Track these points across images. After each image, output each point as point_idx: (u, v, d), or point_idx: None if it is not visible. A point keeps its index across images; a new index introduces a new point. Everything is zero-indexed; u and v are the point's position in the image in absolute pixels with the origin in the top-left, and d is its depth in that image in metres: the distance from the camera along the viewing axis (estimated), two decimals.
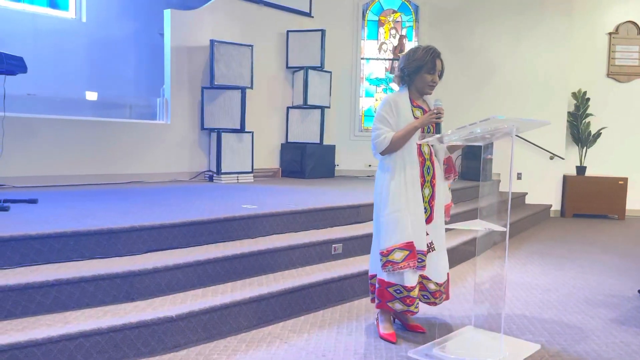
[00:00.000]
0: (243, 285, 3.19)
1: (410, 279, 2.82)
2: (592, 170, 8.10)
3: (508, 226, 2.70)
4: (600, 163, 8.20)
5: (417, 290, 2.87)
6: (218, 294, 3.00)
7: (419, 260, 2.84)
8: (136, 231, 3.15)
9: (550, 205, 8.00)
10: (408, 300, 2.82)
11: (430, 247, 2.94)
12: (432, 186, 2.92)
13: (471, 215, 5.52)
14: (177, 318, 2.65)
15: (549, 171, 8.03)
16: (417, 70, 2.86)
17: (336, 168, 7.76)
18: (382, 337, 2.91)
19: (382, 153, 2.87)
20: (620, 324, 3.28)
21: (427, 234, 2.90)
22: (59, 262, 2.88)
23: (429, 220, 2.91)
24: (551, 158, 7.98)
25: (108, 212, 3.63)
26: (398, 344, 2.82)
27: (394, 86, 8.00)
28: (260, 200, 4.54)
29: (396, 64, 6.62)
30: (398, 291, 2.83)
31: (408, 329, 3.04)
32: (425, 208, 2.88)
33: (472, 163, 7.46)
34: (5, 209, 3.58)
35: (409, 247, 2.80)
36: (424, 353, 2.68)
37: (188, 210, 3.81)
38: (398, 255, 2.78)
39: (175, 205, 4.12)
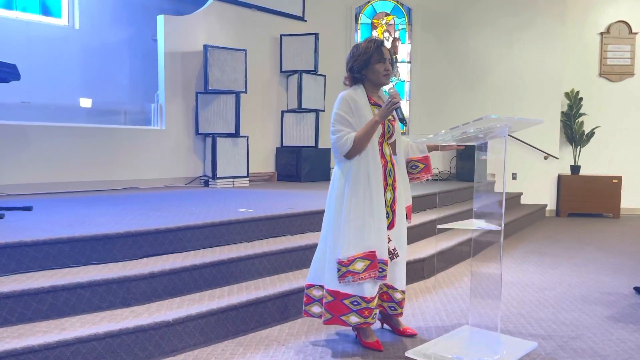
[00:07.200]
0: (240, 288, 3.19)
1: (370, 289, 2.67)
2: (587, 170, 8.15)
3: (503, 226, 2.71)
4: (594, 162, 8.25)
5: (376, 301, 2.73)
6: (215, 297, 3.00)
7: (380, 270, 2.68)
8: (132, 236, 3.15)
9: (545, 205, 8.03)
10: (366, 312, 2.66)
11: (394, 254, 2.79)
12: (394, 189, 2.79)
13: (466, 216, 5.53)
14: (174, 322, 2.64)
15: (543, 171, 8.06)
16: (366, 64, 2.74)
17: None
18: (366, 346, 2.77)
19: (347, 156, 2.70)
20: (616, 321, 3.29)
21: (390, 240, 2.76)
22: (55, 268, 2.88)
23: (391, 225, 2.78)
24: (545, 158, 8.01)
25: (103, 218, 3.62)
26: (395, 347, 2.83)
27: None
28: (256, 204, 4.54)
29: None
30: (355, 303, 2.65)
31: (398, 333, 2.98)
32: (387, 213, 2.73)
33: (466, 164, 7.49)
34: (0, 217, 3.57)
35: (371, 256, 2.64)
36: (422, 353, 2.68)
37: (184, 215, 3.81)
38: (359, 265, 2.62)
39: (171, 210, 4.12)
